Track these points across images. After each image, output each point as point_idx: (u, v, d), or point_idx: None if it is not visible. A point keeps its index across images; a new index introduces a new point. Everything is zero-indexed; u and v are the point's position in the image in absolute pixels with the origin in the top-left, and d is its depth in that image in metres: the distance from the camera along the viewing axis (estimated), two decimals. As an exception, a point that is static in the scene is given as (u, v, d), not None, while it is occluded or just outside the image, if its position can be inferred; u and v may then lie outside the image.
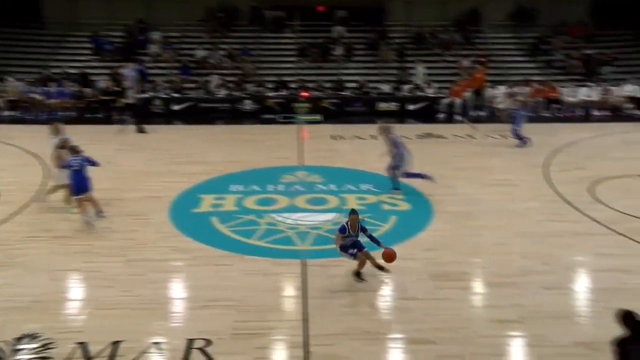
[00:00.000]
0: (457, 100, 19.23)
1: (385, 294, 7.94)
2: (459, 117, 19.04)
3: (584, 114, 19.66)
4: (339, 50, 22.35)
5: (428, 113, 19.53)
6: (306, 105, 19.49)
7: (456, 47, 22.83)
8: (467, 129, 17.33)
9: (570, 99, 19.71)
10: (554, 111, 19.70)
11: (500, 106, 17.06)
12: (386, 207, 10.93)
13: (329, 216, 10.45)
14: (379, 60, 22.36)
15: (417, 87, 20.41)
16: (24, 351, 6.47)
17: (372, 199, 11.33)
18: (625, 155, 14.41)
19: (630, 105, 19.69)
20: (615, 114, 19.56)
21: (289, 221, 10.22)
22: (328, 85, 20.59)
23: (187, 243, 9.40)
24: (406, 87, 20.55)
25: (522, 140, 15.27)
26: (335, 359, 6.40)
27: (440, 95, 19.80)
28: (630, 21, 23.23)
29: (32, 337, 6.68)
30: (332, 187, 11.98)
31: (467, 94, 19.53)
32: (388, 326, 7.15)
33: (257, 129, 18.05)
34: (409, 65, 21.71)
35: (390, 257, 7.84)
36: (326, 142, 16.11)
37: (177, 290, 8.23)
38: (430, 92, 20.05)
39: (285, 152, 14.86)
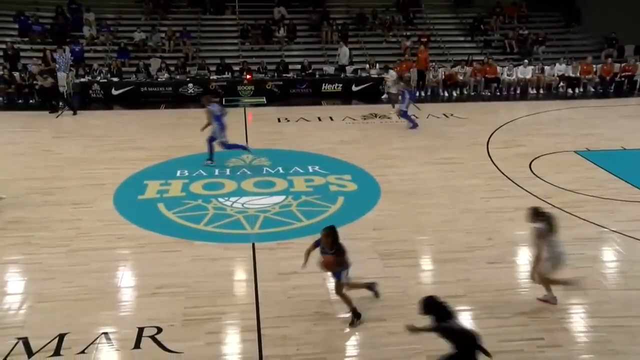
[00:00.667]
0: (400, 80, 19.48)
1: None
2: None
3: (520, 92, 20.30)
4: (281, 32, 22.15)
5: (372, 94, 19.67)
6: (250, 87, 19.28)
7: (398, 28, 23.05)
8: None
9: (508, 78, 20.30)
10: (493, 90, 20.24)
11: (392, 90, 17.35)
12: (334, 188, 11.00)
13: (277, 199, 10.43)
14: (322, 41, 22.31)
15: (343, 68, 20.43)
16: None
17: (319, 180, 11.37)
18: (558, 132, 15.02)
19: (562, 84, 20.46)
20: (549, 92, 20.29)
21: (236, 205, 10.14)
22: (272, 67, 20.41)
23: (133, 230, 9.20)
24: (350, 68, 20.61)
25: (410, 120, 15.43)
26: (287, 340, 6.44)
27: (383, 76, 19.95)
28: (559, 2, 24.09)
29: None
30: (280, 169, 11.95)
31: (410, 75, 19.81)
32: (339, 306, 7.21)
33: (201, 113, 17.60)
34: (352, 46, 21.76)
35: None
36: (272, 125, 16.02)
37: (125, 278, 8.02)
38: (373, 72, 20.18)
39: (230, 135, 14.62)
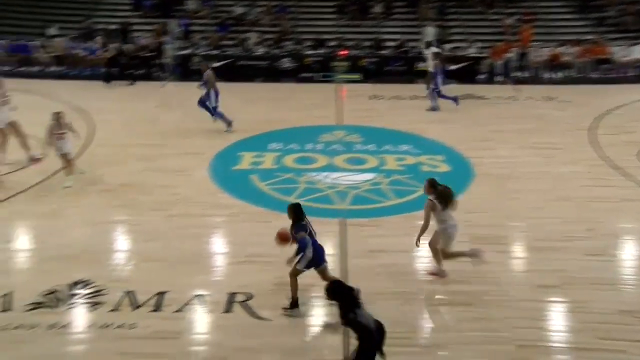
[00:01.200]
0: (499, 61, 18.71)
1: (423, 255, 7.94)
2: (500, 78, 18.55)
3: (637, 74, 18.75)
4: (377, 8, 21.85)
5: (469, 73, 19.01)
6: (345, 64, 19.23)
7: (499, 5, 22.03)
8: (510, 91, 16.89)
9: (623, 59, 18.85)
10: (604, 72, 18.90)
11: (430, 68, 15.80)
12: (425, 168, 10.84)
13: (368, 176, 10.44)
14: (418, 18, 21.79)
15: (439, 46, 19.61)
16: (78, 296, 6.78)
17: (411, 159, 11.24)
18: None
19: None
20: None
21: (327, 180, 10.25)
22: (367, 44, 20.23)
23: (227, 199, 9.54)
24: (447, 46, 20.00)
25: (451, 98, 14.64)
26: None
27: (482, 55, 19.22)
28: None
29: (86, 283, 7.00)
30: (371, 147, 11.92)
31: (511, 55, 18.95)
32: (426, 287, 7.17)
33: (295, 88, 17.94)
34: (450, 23, 21.11)
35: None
36: (365, 102, 15.95)
37: (218, 245, 8.41)
38: (471, 52, 19.48)
39: (323, 111, 14.78)
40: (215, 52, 19.56)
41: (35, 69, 18.59)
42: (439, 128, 13.23)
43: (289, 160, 11.16)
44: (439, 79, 14.60)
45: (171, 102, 15.99)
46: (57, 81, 17.90)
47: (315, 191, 9.82)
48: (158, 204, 9.29)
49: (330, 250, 8.05)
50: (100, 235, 8.34)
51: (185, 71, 18.99)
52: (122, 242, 8.44)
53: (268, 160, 11.17)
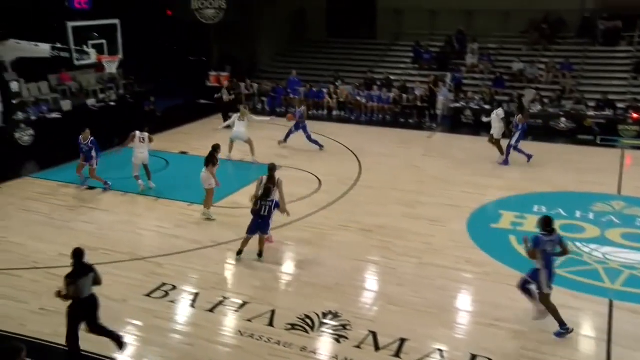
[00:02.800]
0: None
1: None
2: None
3: None
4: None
5: None
6: (635, 128, 17.25)
7: None
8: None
9: None
10: None
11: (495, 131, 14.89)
12: None
13: (648, 257, 9.10)
14: None
15: None
16: (327, 326, 7.24)
17: None
18: None
19: None
20: None
21: (597, 254, 9.22)
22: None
23: (481, 256, 9.25)
24: None
25: (525, 155, 14.39)
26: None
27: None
28: None
29: (335, 315, 7.45)
30: (657, 224, 10.40)
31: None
32: None
33: (570, 150, 16.66)
34: None
35: None
36: (654, 172, 14.04)
37: (465, 301, 8.16)
38: None
39: (600, 177, 13.41)
40: (487, 106, 19.38)
41: (324, 112, 20.76)
42: None
43: (553, 226, 10.34)
44: (518, 134, 14.30)
45: (437, 151, 16.26)
46: (338, 124, 19.59)
47: (580, 263, 8.91)
48: (410, 250, 9.45)
49: (590, 332, 7.22)
50: (353, 271, 8.80)
51: (455, 123, 19.22)
52: (372, 282, 8.75)
53: (530, 223, 10.50)
